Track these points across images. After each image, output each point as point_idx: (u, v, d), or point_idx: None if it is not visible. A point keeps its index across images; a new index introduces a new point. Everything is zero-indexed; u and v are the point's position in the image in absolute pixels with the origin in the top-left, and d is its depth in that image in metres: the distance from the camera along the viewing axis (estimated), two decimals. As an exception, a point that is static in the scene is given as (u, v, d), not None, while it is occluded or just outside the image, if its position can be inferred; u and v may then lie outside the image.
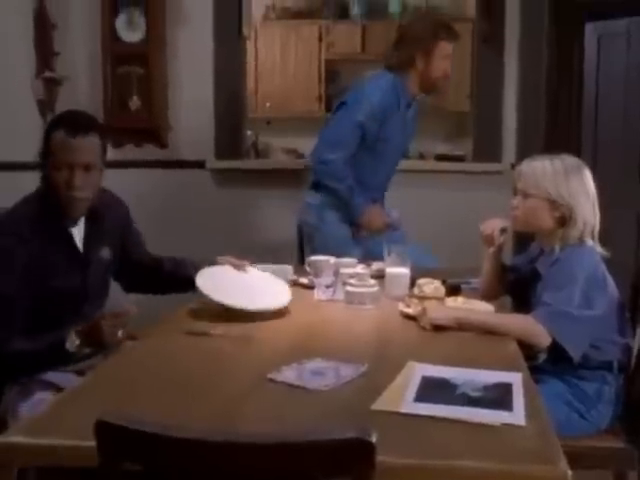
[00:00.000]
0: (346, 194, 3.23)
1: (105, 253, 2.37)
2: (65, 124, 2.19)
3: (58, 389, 2.04)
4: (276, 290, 2.42)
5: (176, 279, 2.53)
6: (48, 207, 2.21)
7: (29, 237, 2.14)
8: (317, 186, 3.32)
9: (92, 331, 2.07)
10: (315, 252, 3.03)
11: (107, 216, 2.37)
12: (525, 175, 2.27)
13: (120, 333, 2.08)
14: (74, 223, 2.26)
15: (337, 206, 3.27)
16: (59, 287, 2.18)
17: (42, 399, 2.00)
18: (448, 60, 3.19)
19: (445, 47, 3.17)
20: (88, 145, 2.19)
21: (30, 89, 4.19)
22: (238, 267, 2.53)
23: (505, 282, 2.50)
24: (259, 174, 4.36)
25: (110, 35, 4.14)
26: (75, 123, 2.20)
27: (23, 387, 2.10)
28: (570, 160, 2.26)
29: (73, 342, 2.06)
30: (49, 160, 2.18)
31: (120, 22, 4.14)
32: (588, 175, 2.24)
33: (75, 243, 2.27)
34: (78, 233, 2.28)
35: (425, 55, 3.17)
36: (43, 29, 4.19)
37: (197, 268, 2.46)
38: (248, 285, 2.44)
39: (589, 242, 2.21)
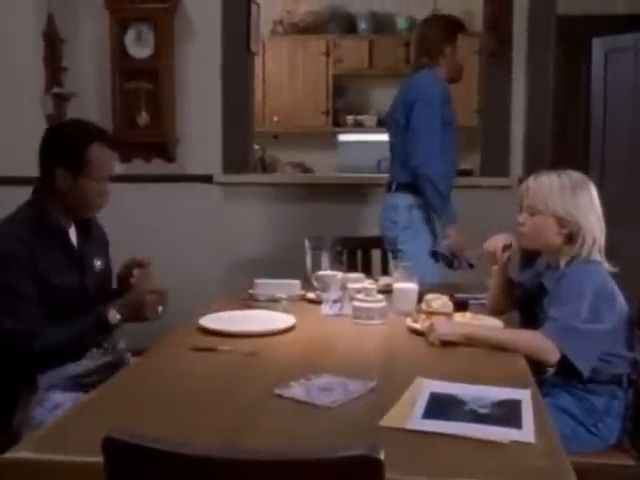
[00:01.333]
0: (447, 194, 3.38)
1: (99, 264, 2.43)
2: (103, 138, 2.30)
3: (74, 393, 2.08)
4: (280, 315, 2.41)
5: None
6: (44, 211, 2.27)
7: (28, 239, 2.19)
8: (404, 187, 3.44)
9: (135, 304, 2.20)
10: (398, 253, 3.24)
11: (94, 230, 2.45)
12: (532, 191, 2.25)
13: (160, 309, 2.23)
14: (68, 227, 2.33)
15: (423, 206, 3.40)
16: (61, 286, 2.22)
17: (59, 403, 2.02)
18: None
19: (460, 39, 3.50)
20: (116, 158, 2.37)
21: (39, 105, 4.22)
22: (141, 265, 2.46)
23: (512, 297, 2.49)
24: (266, 188, 4.37)
25: (119, 51, 4.17)
26: (110, 138, 2.36)
27: (38, 394, 2.11)
28: (576, 176, 2.25)
29: (115, 317, 2.18)
30: (81, 169, 2.24)
31: (129, 38, 4.17)
32: (594, 190, 2.23)
33: (72, 243, 2.33)
34: (73, 236, 2.35)
35: (452, 47, 3.47)
36: (52, 45, 4.23)
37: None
38: (252, 316, 2.44)
39: (596, 257, 2.20)
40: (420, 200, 3.40)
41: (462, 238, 3.28)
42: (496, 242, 2.42)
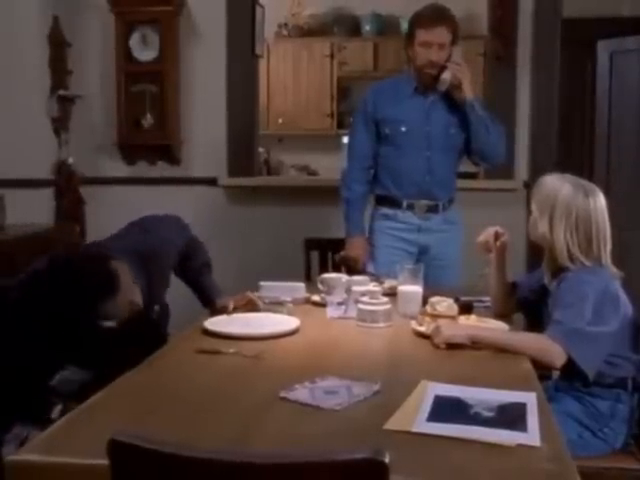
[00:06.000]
0: (344, 205, 3.38)
1: None
2: None
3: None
4: (284, 318, 2.42)
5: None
6: None
7: None
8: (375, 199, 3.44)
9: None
10: (372, 264, 3.25)
11: None
12: (535, 185, 2.31)
13: None
14: None
15: (385, 216, 3.34)
16: None
17: (17, 434, 2.00)
18: (427, 47, 3.15)
19: (420, 35, 3.16)
20: None
21: (44, 107, 4.23)
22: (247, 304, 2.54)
23: (514, 298, 2.49)
24: (271, 191, 4.37)
25: (124, 54, 4.17)
26: None
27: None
28: (571, 191, 2.19)
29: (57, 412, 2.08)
30: None
31: (134, 41, 4.17)
32: (588, 209, 2.18)
33: None
34: None
35: (410, 48, 3.23)
36: (58, 48, 4.24)
37: None
38: (257, 318, 2.45)
39: (602, 260, 2.20)
40: (378, 210, 3.38)
41: (358, 245, 3.31)
42: (487, 232, 2.48)
